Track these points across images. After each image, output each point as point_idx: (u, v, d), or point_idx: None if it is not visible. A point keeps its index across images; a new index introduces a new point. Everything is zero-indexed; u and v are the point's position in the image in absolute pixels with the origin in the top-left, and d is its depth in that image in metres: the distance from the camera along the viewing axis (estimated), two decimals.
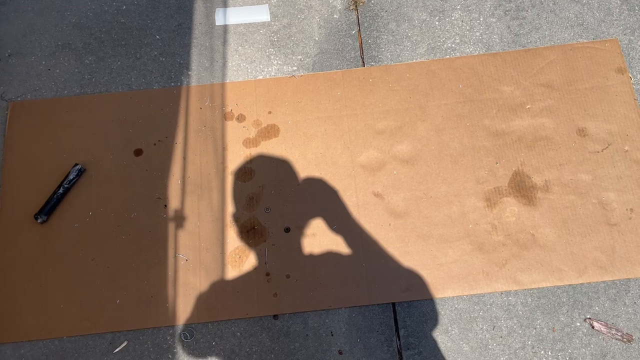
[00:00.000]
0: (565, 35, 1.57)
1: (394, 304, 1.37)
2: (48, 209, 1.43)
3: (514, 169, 1.45)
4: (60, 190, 1.44)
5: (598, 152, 1.45)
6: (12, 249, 1.42)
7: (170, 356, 1.34)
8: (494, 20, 1.60)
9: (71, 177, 1.46)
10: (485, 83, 1.53)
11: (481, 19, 1.60)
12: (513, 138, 1.48)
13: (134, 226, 1.44)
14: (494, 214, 1.42)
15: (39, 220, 1.42)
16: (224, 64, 1.60)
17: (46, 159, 1.50)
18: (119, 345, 1.35)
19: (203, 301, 1.37)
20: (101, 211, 1.45)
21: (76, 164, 1.47)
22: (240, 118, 1.54)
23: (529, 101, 1.51)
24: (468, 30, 1.60)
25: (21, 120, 1.55)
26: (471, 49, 1.57)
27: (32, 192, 1.47)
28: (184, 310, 1.37)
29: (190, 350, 1.34)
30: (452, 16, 1.61)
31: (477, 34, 1.59)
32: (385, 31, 1.61)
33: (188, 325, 1.36)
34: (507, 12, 1.61)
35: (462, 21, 1.61)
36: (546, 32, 1.58)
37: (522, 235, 1.40)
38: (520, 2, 1.62)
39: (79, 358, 1.34)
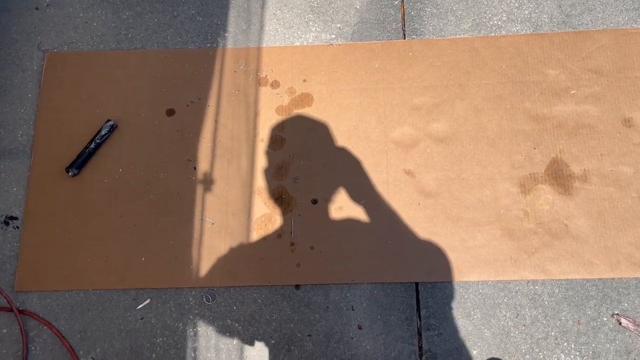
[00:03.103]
0: (620, 19, 1.50)
1: (417, 284, 1.36)
2: (79, 163, 1.44)
3: (552, 155, 1.41)
4: (92, 145, 1.45)
5: None
6: (43, 200, 1.44)
7: (191, 317, 1.36)
8: None
9: (103, 132, 1.46)
10: (529, 64, 1.47)
11: None
12: (554, 124, 1.42)
13: (163, 186, 1.44)
14: (528, 201, 1.38)
15: (69, 174, 1.43)
16: (261, 28, 1.56)
17: (79, 113, 1.51)
18: (142, 302, 1.37)
19: (226, 265, 1.38)
20: (131, 169, 1.46)
21: (109, 120, 1.47)
22: (275, 84, 1.51)
23: (574, 86, 1.44)
24: (516, 7, 1.53)
25: (56, 72, 1.55)
26: (518, 28, 1.51)
27: (64, 145, 1.47)
28: (207, 273, 1.38)
29: (211, 313, 1.36)
30: None
31: (526, 12, 1.52)
32: (430, 3, 1.55)
33: (210, 289, 1.37)
34: None
35: None
36: (599, 15, 1.50)
37: (555, 225, 1.36)
38: None
39: (103, 311, 1.37)
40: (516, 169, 1.40)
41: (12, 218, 1.44)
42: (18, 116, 1.52)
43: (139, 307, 1.37)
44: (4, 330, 1.36)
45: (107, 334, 1.35)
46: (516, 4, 1.53)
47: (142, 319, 1.36)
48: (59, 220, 1.43)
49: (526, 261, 1.34)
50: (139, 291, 1.38)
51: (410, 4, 1.55)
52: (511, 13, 1.52)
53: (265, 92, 1.51)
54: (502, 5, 1.53)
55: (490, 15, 1.53)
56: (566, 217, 1.36)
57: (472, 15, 1.53)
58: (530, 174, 1.40)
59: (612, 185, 1.37)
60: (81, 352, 1.35)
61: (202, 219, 1.41)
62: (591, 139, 1.41)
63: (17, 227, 1.43)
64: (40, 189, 1.45)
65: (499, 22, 1.52)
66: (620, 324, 1.29)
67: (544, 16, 1.51)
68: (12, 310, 1.35)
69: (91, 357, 1.34)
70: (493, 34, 1.51)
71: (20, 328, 1.34)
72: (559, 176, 1.39)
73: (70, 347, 1.34)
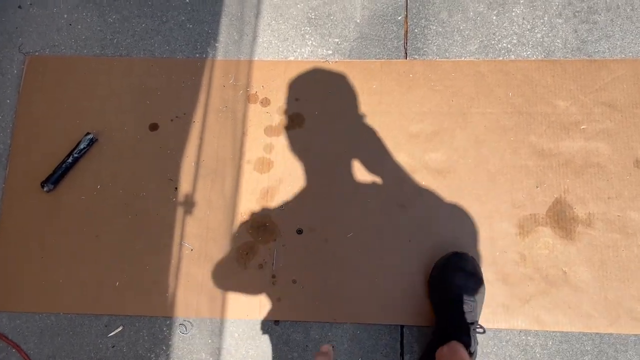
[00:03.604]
0: None
1: (402, 327, 1.28)
2: (55, 178, 1.37)
3: (555, 195, 1.31)
4: (70, 160, 1.37)
5: None
6: (17, 215, 1.38)
7: (164, 347, 1.30)
8: (560, 21, 1.41)
9: (82, 146, 1.38)
10: (538, 94, 1.37)
11: (545, 18, 1.42)
12: (560, 161, 1.33)
13: (142, 206, 1.37)
14: (526, 243, 1.29)
15: (45, 189, 1.36)
16: (254, 39, 1.47)
17: (59, 123, 1.43)
18: (115, 329, 1.31)
19: (204, 295, 1.32)
20: (110, 186, 1.39)
21: (88, 133, 1.39)
22: (265, 102, 1.42)
23: (585, 120, 1.34)
24: (528, 30, 1.41)
25: (37, 76, 1.47)
26: (529, 53, 1.40)
27: (41, 157, 1.40)
28: (183, 302, 1.32)
29: (185, 345, 1.30)
30: (513, 11, 1.43)
31: (539, 35, 1.41)
32: (435, 21, 1.44)
33: (186, 319, 1.31)
34: (576, 14, 1.41)
35: (523, 18, 1.42)
36: (618, 42, 1.39)
37: (553, 271, 1.27)
38: (594, 3, 1.42)
39: (73, 336, 1.31)
40: (516, 208, 1.31)
41: None
42: None
43: (111, 334, 1.31)
44: None
45: None
46: (528, 26, 1.41)
47: (113, 347, 1.31)
48: (33, 237, 1.36)
49: (519, 309, 1.26)
50: (111, 317, 1.32)
51: (415, 21, 1.44)
52: (522, 36, 1.41)
53: (254, 109, 1.42)
54: (513, 27, 1.42)
55: (499, 37, 1.41)
56: (566, 263, 1.28)
57: (479, 36, 1.42)
58: (530, 215, 1.31)
59: (618, 232, 1.28)
60: None
61: (181, 243, 1.34)
62: (599, 179, 1.31)
63: None
64: (15, 203, 1.38)
65: (509, 45, 1.41)
66: None
67: (558, 41, 1.40)
68: None
69: None
70: (501, 58, 1.40)
71: None
72: (561, 219, 1.30)
73: None
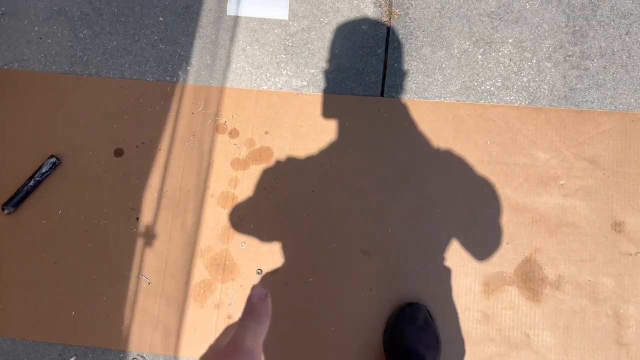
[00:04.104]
0: (631, 100, 1.29)
1: None
2: (16, 201, 1.34)
3: (525, 254, 1.25)
4: (32, 182, 1.35)
5: (631, 254, 1.23)
6: None
7: None
8: (549, 65, 1.33)
9: (44, 169, 1.35)
10: (518, 143, 1.30)
11: (534, 61, 1.33)
12: (534, 217, 1.26)
13: (102, 235, 1.35)
14: (490, 302, 1.25)
15: (5, 212, 1.34)
16: (227, 65, 1.41)
17: (23, 143, 1.40)
18: (68, 359, 1.31)
19: (159, 331, 1.30)
20: (71, 212, 1.36)
21: (52, 156, 1.36)
22: (233, 133, 1.37)
23: (564, 176, 1.27)
24: (514, 72, 1.33)
25: (4, 92, 1.43)
26: (512, 98, 1.32)
27: (3, 178, 1.38)
28: (138, 336, 1.30)
29: None
30: (500, 51, 1.34)
31: (525, 79, 1.33)
32: (417, 56, 1.36)
33: (139, 353, 1.30)
34: (567, 58, 1.32)
35: (510, 59, 1.34)
36: (609, 92, 1.30)
37: (516, 333, 1.23)
38: (587, 48, 1.32)
39: None
40: (483, 264, 1.26)
41: None
42: None
43: None
44: None
45: None
46: (515, 69, 1.33)
47: None
48: None
49: None
50: (65, 346, 1.31)
51: (395, 55, 1.37)
52: (508, 78, 1.33)
53: (222, 140, 1.37)
54: (499, 69, 1.34)
55: (483, 79, 1.34)
56: (529, 326, 1.23)
57: (462, 76, 1.34)
58: (497, 272, 1.25)
59: (587, 298, 1.22)
60: None
61: (138, 276, 1.32)
62: (573, 240, 1.25)
63: None
64: None
65: (492, 88, 1.33)
66: None
67: (545, 87, 1.32)
68: None
69: None
70: (483, 102, 1.33)
71: None
72: (529, 279, 1.25)
73: None
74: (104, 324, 1.31)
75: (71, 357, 1.31)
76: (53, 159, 1.36)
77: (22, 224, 1.36)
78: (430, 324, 1.20)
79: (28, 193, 1.36)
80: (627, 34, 1.32)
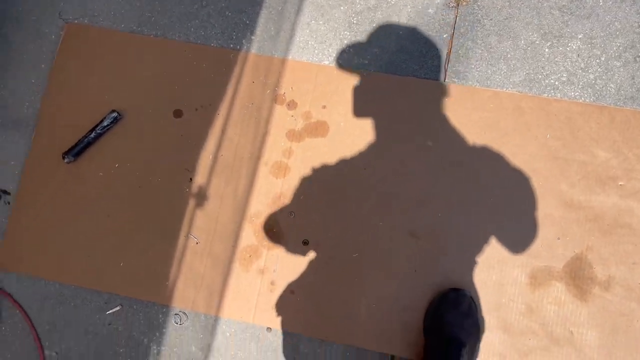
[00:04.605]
0: None
1: (392, 357, 1.26)
2: (77, 151, 1.38)
3: (576, 251, 1.24)
4: (92, 135, 1.38)
5: None
6: (37, 182, 1.41)
7: (157, 334, 1.32)
8: (617, 64, 1.30)
9: (105, 123, 1.39)
10: (579, 140, 1.28)
11: (602, 59, 1.31)
12: (588, 215, 1.25)
13: (155, 192, 1.38)
14: (535, 296, 1.24)
15: (65, 160, 1.38)
16: (291, 37, 1.42)
17: (87, 96, 1.44)
18: (113, 308, 1.34)
19: (202, 290, 1.32)
20: (128, 166, 1.39)
21: (113, 111, 1.39)
22: (291, 105, 1.38)
23: (624, 177, 1.25)
24: (581, 68, 1.31)
25: (73, 45, 1.47)
26: (577, 94, 1.30)
27: (66, 127, 1.42)
28: (181, 293, 1.33)
29: (177, 335, 1.32)
30: (568, 45, 1.33)
31: (591, 76, 1.31)
32: (482, 44, 1.35)
33: (182, 310, 1.33)
34: (637, 59, 1.30)
35: (578, 55, 1.32)
36: None
37: (559, 330, 1.22)
38: None
39: (74, 308, 1.35)
40: (532, 257, 1.25)
41: (5, 192, 1.42)
42: (28, 85, 1.46)
43: (109, 312, 1.34)
44: None
45: (74, 332, 1.34)
46: (582, 65, 1.31)
47: (110, 324, 1.34)
48: (49, 206, 1.39)
49: None
50: (112, 295, 1.35)
51: (460, 41, 1.36)
52: (574, 74, 1.31)
53: (279, 111, 1.38)
54: (566, 63, 1.32)
55: (548, 72, 1.32)
56: (574, 324, 1.22)
57: (527, 67, 1.33)
58: (545, 266, 1.24)
59: (637, 301, 1.21)
60: (47, 343, 1.35)
61: (187, 235, 1.35)
62: (627, 242, 1.23)
63: (8, 203, 1.41)
64: (36, 170, 1.41)
65: (557, 83, 1.31)
66: None
67: (611, 85, 1.30)
68: None
69: (55, 352, 1.34)
70: (546, 95, 1.31)
71: None
72: (578, 277, 1.23)
73: (38, 336, 1.34)
74: (150, 278, 1.34)
75: (116, 306, 1.34)
76: (115, 114, 1.39)
77: (80, 174, 1.40)
78: (473, 311, 1.20)
79: (88, 144, 1.39)
80: None
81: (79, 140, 1.39)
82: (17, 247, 1.38)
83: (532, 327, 1.23)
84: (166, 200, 1.37)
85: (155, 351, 1.32)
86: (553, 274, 1.24)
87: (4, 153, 1.43)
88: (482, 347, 1.22)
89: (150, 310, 1.34)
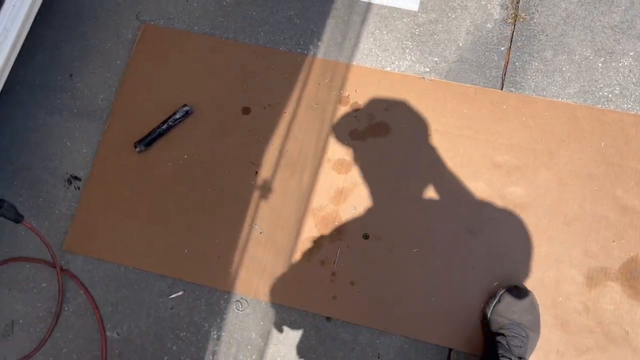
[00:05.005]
0: None
1: (450, 350, 1.29)
2: (148, 141, 1.45)
3: (632, 254, 1.28)
4: (164, 127, 1.46)
5: None
6: (107, 168, 1.47)
7: (218, 320, 1.35)
8: None
9: (177, 116, 1.46)
10: (632, 149, 1.34)
11: None
12: None
13: (222, 183, 1.44)
14: (592, 295, 1.27)
15: (137, 149, 1.45)
16: (356, 44, 1.51)
17: (160, 91, 1.52)
18: (176, 293, 1.38)
19: (264, 279, 1.36)
20: (196, 158, 1.46)
21: (185, 105, 1.47)
22: (355, 106, 1.46)
23: None
24: (634, 83, 1.39)
25: (148, 45, 1.56)
26: (629, 106, 1.37)
27: (138, 119, 1.49)
28: (244, 280, 1.37)
29: (238, 321, 1.35)
30: (620, 61, 1.41)
31: None
32: (538, 57, 1.44)
33: (243, 297, 1.36)
34: None
35: (630, 70, 1.40)
36: None
37: (615, 329, 1.25)
38: None
39: (137, 291, 1.39)
40: (588, 257, 1.29)
41: (76, 178, 1.48)
42: (103, 80, 1.55)
43: (172, 296, 1.38)
44: (44, 285, 1.41)
45: (136, 314, 1.38)
46: (634, 79, 1.39)
47: (172, 308, 1.37)
48: (117, 192, 1.45)
49: (574, 358, 1.24)
50: (174, 281, 1.39)
51: (517, 54, 1.45)
52: (626, 88, 1.39)
53: (343, 112, 1.46)
54: (618, 77, 1.40)
55: (601, 85, 1.40)
56: (630, 324, 1.25)
57: (581, 80, 1.41)
58: (601, 267, 1.28)
59: None
60: (109, 325, 1.38)
61: (251, 225, 1.40)
62: None
63: (78, 188, 1.47)
64: (107, 158, 1.48)
65: (610, 95, 1.39)
66: None
67: None
68: (55, 267, 1.40)
69: (116, 332, 1.37)
70: (600, 106, 1.38)
71: (59, 286, 1.38)
72: (633, 278, 1.27)
73: (100, 317, 1.37)
74: (213, 265, 1.38)
75: (179, 291, 1.38)
76: (187, 108, 1.46)
77: (150, 163, 1.46)
78: (535, 308, 1.23)
79: (160, 135, 1.46)
80: None
81: (151, 131, 1.46)
82: (85, 231, 1.43)
83: (589, 326, 1.26)
84: (232, 191, 1.43)
85: (215, 336, 1.34)
86: (609, 274, 1.28)
87: (78, 141, 1.50)
88: (540, 344, 1.24)
89: (212, 296, 1.37)
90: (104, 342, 1.36)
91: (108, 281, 1.40)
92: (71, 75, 1.56)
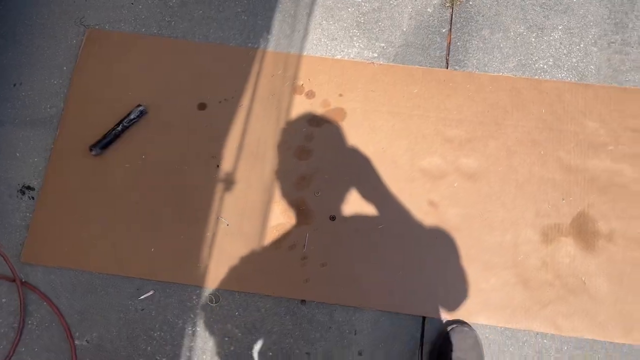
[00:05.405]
0: None
1: (424, 318, 1.33)
2: (104, 143, 1.43)
3: (579, 209, 1.38)
4: (119, 128, 1.44)
5: None
6: (62, 175, 1.43)
7: (192, 316, 1.34)
8: (594, 49, 1.50)
9: (132, 116, 1.44)
10: (569, 113, 1.45)
11: (581, 45, 1.50)
12: (586, 177, 1.39)
13: (183, 179, 1.43)
14: (548, 251, 1.35)
15: (92, 153, 1.42)
16: (305, 36, 1.55)
17: (111, 93, 1.50)
18: (146, 293, 1.35)
19: (235, 269, 1.36)
20: (154, 157, 1.45)
21: (139, 105, 1.46)
22: (310, 94, 1.49)
23: (612, 143, 1.42)
24: (565, 54, 1.50)
25: (95, 48, 1.54)
26: (563, 75, 1.48)
27: (91, 123, 1.46)
28: (214, 274, 1.36)
29: (212, 315, 1.34)
30: (551, 35, 1.52)
31: (574, 60, 1.49)
32: (477, 36, 1.53)
33: (216, 290, 1.35)
34: (610, 44, 1.50)
35: (560, 43, 1.51)
36: None
37: (573, 280, 1.33)
38: (628, 37, 1.51)
39: (105, 296, 1.35)
40: (541, 217, 1.37)
41: (29, 188, 1.43)
42: (50, 87, 1.51)
43: (142, 297, 1.35)
44: (3, 300, 1.35)
45: (106, 319, 1.34)
46: (564, 51, 1.50)
47: (142, 309, 1.35)
48: (74, 198, 1.42)
49: (538, 312, 1.31)
50: (143, 281, 1.36)
51: (458, 35, 1.53)
52: (558, 59, 1.50)
53: (299, 100, 1.49)
54: (551, 50, 1.51)
55: (536, 58, 1.50)
56: (585, 274, 1.33)
57: (518, 55, 1.51)
58: (554, 224, 1.37)
59: (638, 250, 1.34)
60: (77, 333, 1.33)
61: (217, 218, 1.40)
62: (622, 199, 1.38)
63: (32, 198, 1.42)
64: (61, 164, 1.44)
65: (545, 66, 1.49)
66: None
67: (591, 67, 1.48)
68: (14, 281, 1.34)
69: (86, 340, 1.33)
70: (537, 77, 1.48)
71: (20, 300, 1.33)
72: (583, 231, 1.36)
73: (67, 326, 1.33)
74: (182, 262, 1.37)
75: (149, 291, 1.35)
76: (141, 107, 1.45)
77: (107, 166, 1.44)
78: (479, 344, 1.27)
79: (115, 137, 1.44)
80: None
81: (106, 134, 1.43)
82: (43, 240, 1.38)
83: (549, 280, 1.33)
84: (194, 187, 1.42)
85: (190, 332, 1.33)
86: (562, 230, 1.36)
87: (28, 151, 1.46)
88: (507, 300, 1.31)
89: (184, 292, 1.36)
90: (73, 352, 1.31)
91: (72, 289, 1.36)
92: (15, 85, 1.51)
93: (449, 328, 1.29)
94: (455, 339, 1.26)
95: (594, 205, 1.38)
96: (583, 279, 1.33)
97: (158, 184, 1.43)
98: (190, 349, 1.32)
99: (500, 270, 1.34)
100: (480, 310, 1.32)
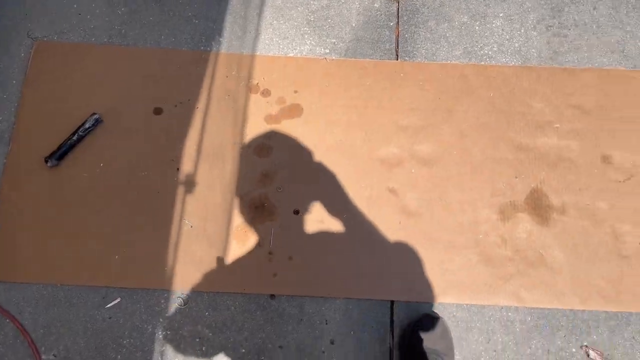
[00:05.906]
0: (604, 60, 1.55)
1: (392, 302, 1.35)
2: (60, 154, 1.41)
3: (532, 185, 1.43)
4: (75, 137, 1.42)
5: (620, 182, 1.43)
6: (18, 189, 1.40)
7: (161, 320, 1.33)
8: (534, 33, 1.57)
9: (87, 125, 1.43)
10: (516, 96, 1.51)
11: (522, 31, 1.57)
12: (536, 155, 1.46)
13: (144, 185, 1.42)
14: (506, 228, 1.40)
15: (48, 164, 1.40)
16: (257, 36, 1.57)
17: (64, 104, 1.48)
18: (112, 301, 1.33)
19: (202, 270, 1.36)
20: (112, 165, 1.43)
21: (94, 113, 1.44)
22: (265, 93, 1.51)
23: (557, 120, 1.48)
24: (507, 39, 1.57)
25: (44, 60, 1.52)
26: (507, 59, 1.55)
27: (45, 135, 1.44)
28: (181, 276, 1.35)
29: (182, 317, 1.33)
30: (493, 23, 1.58)
31: (516, 44, 1.56)
32: (424, 28, 1.58)
33: (183, 292, 1.35)
34: (549, 28, 1.58)
35: (502, 29, 1.58)
36: (585, 54, 1.55)
37: (531, 253, 1.38)
38: (564, 20, 1.59)
39: (70, 307, 1.33)
40: (497, 196, 1.42)
41: None
42: (0, 102, 1.48)
43: (108, 305, 1.33)
44: None
45: (72, 331, 1.31)
46: (507, 37, 1.57)
47: (110, 318, 1.33)
48: (33, 211, 1.39)
49: (501, 287, 1.35)
50: (109, 289, 1.34)
51: (405, 27, 1.58)
52: (502, 45, 1.56)
53: (255, 99, 1.50)
54: (494, 37, 1.57)
55: (481, 45, 1.56)
56: (542, 247, 1.39)
57: (464, 43, 1.56)
58: (510, 202, 1.42)
59: (588, 220, 1.40)
60: (43, 348, 1.30)
61: (180, 220, 1.39)
62: (571, 173, 1.44)
63: None
64: (17, 178, 1.41)
65: (490, 52, 1.55)
66: (588, 356, 1.31)
67: (533, 50, 1.55)
68: None
69: (53, 354, 1.30)
70: (483, 63, 1.54)
71: None
72: (538, 206, 1.42)
73: (32, 341, 1.29)
74: (147, 266, 1.36)
75: (115, 299, 1.33)
76: (96, 116, 1.44)
77: (64, 177, 1.42)
78: (447, 332, 1.30)
79: (71, 147, 1.42)
80: (594, 9, 1.60)
81: (61, 144, 1.41)
82: (1, 257, 1.35)
83: (508, 255, 1.38)
84: (155, 191, 1.42)
85: (160, 336, 1.31)
86: (517, 207, 1.42)
87: None
88: (471, 278, 1.35)
89: (151, 297, 1.34)
90: None
91: (35, 304, 1.33)
92: None
93: (416, 319, 1.31)
94: (424, 329, 1.28)
95: (545, 181, 1.43)
96: (541, 251, 1.38)
97: (118, 190, 1.41)
98: (162, 354, 1.30)
99: (463, 250, 1.38)
100: (447, 290, 1.35)
